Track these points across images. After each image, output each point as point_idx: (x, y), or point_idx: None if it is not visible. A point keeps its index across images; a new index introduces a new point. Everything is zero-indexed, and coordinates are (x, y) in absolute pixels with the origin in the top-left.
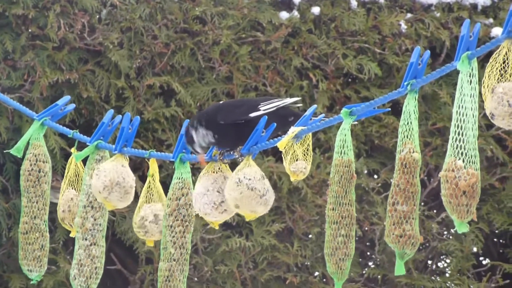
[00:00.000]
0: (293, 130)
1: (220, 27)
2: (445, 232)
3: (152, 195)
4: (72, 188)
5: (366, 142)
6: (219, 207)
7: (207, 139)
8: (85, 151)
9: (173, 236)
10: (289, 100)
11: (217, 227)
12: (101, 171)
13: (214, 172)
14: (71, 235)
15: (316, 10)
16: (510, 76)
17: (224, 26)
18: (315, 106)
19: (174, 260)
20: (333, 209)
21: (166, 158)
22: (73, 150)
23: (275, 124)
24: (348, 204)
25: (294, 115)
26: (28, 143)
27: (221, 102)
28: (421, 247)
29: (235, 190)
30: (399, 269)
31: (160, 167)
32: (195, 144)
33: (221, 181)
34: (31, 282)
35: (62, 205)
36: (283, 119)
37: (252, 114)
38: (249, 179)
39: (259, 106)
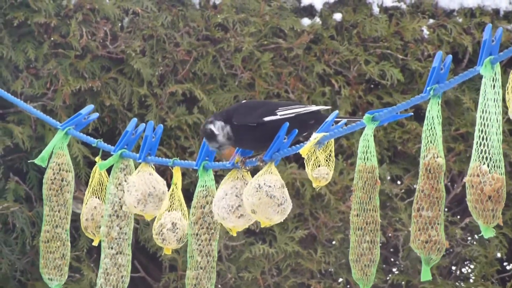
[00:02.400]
0: (315, 136)
1: (242, 34)
2: (469, 238)
3: (174, 203)
4: (96, 197)
5: (389, 148)
6: (235, 211)
7: (225, 131)
8: (110, 161)
9: (199, 244)
10: (313, 108)
11: (234, 234)
12: (130, 185)
13: (236, 178)
14: (94, 243)
15: (338, 16)
16: None
17: (246, 33)
18: (336, 111)
19: (201, 268)
20: (357, 215)
21: (189, 166)
22: (97, 159)
23: (297, 130)
24: (373, 210)
25: (316, 119)
26: (51, 152)
27: (243, 101)
28: (445, 253)
29: (254, 195)
30: (425, 275)
31: (183, 174)
32: (218, 137)
33: (240, 185)
34: None
35: (86, 213)
36: (303, 124)
37: (267, 118)
38: (269, 186)
39: (277, 111)
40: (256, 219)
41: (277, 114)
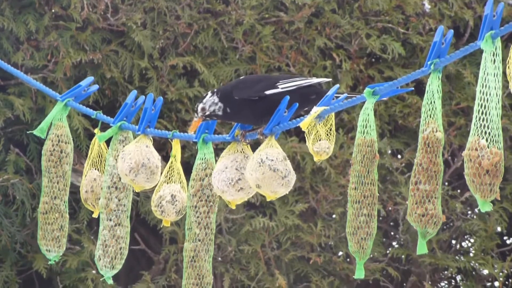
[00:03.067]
0: (316, 110)
1: (243, 7)
2: (469, 212)
3: (173, 175)
4: (95, 169)
5: (390, 122)
6: (235, 184)
7: (212, 108)
8: (109, 132)
9: (198, 217)
10: (314, 80)
11: (233, 207)
12: (125, 153)
13: (236, 151)
14: (94, 215)
15: None
16: None
17: (247, 6)
18: (337, 85)
19: (199, 240)
20: (355, 189)
21: (189, 138)
22: (96, 131)
23: (297, 104)
24: (371, 183)
25: (317, 93)
26: (51, 123)
27: (243, 77)
28: (445, 227)
29: (257, 170)
30: (421, 248)
31: (183, 147)
32: (200, 104)
33: (240, 159)
34: (49, 262)
35: (85, 185)
36: (304, 97)
37: (268, 92)
38: (272, 160)
39: (277, 84)
40: (262, 193)
41: (278, 87)
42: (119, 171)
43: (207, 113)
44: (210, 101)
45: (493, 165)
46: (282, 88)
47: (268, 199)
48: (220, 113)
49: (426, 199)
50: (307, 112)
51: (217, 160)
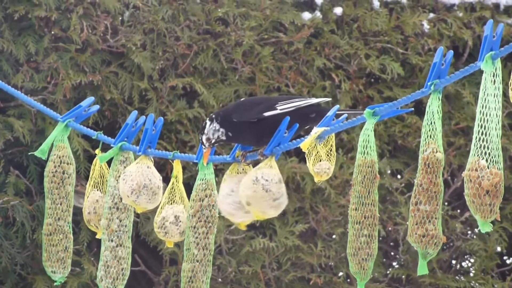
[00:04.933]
0: (316, 130)
1: (243, 28)
2: (469, 232)
3: (175, 196)
4: (97, 190)
5: (389, 142)
6: (243, 208)
7: (216, 135)
8: (110, 153)
9: (196, 237)
10: (313, 101)
11: (244, 228)
12: (127, 175)
13: (238, 173)
14: (98, 236)
15: (338, 10)
16: None
17: (246, 27)
18: (337, 106)
19: (197, 261)
20: (356, 209)
21: (189, 159)
22: (97, 151)
23: (298, 124)
24: (371, 204)
25: (317, 112)
26: (52, 145)
27: (242, 99)
28: (445, 247)
29: (250, 187)
30: (422, 269)
31: (183, 168)
32: (203, 136)
33: None
34: (55, 284)
35: (88, 207)
36: (304, 117)
37: (267, 113)
38: (266, 180)
39: (276, 105)
40: (250, 211)
41: (277, 109)
42: (121, 193)
43: (213, 141)
44: (212, 129)
45: (493, 185)
46: (280, 110)
47: (256, 218)
48: (224, 138)
49: (427, 219)
50: (308, 131)
51: (221, 182)
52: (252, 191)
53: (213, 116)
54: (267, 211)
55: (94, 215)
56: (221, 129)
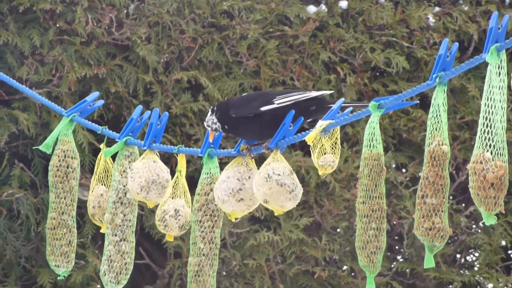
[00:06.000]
0: (321, 123)
1: (248, 21)
2: (474, 226)
3: (177, 190)
4: (102, 184)
5: (394, 136)
6: (236, 195)
7: (214, 126)
8: (114, 148)
9: (202, 231)
10: (312, 94)
11: (233, 219)
12: (134, 172)
13: (240, 164)
14: (102, 230)
15: (343, 4)
16: None
17: (251, 20)
18: (342, 99)
19: (204, 255)
20: (363, 203)
21: (194, 153)
22: (102, 146)
23: (302, 118)
24: (378, 197)
25: (317, 105)
26: (56, 139)
27: (243, 94)
28: (449, 241)
29: (264, 185)
30: (429, 262)
31: (188, 162)
32: (205, 122)
33: (243, 170)
34: (59, 278)
35: (92, 201)
36: (304, 111)
37: (264, 108)
38: (278, 175)
39: (274, 100)
40: (270, 208)
41: (274, 103)
42: (130, 190)
43: (213, 128)
44: (210, 120)
45: (498, 178)
46: (278, 104)
47: (276, 214)
48: (220, 130)
49: (433, 212)
50: (312, 126)
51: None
52: (267, 188)
53: (214, 108)
54: (285, 204)
55: (99, 209)
56: (218, 123)
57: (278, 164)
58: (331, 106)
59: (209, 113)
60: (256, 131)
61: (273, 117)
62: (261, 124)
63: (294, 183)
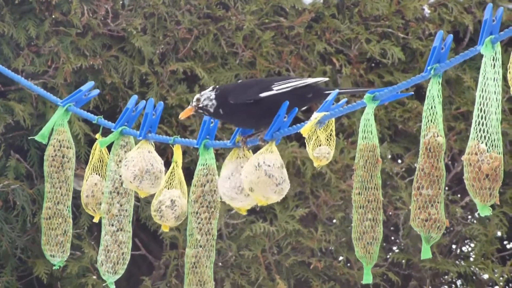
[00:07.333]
0: (316, 115)
1: (243, 12)
2: (469, 217)
3: (173, 181)
4: (96, 174)
5: (390, 127)
6: (243, 191)
7: (206, 103)
8: (110, 138)
9: (199, 223)
10: (310, 81)
11: (244, 213)
12: (128, 160)
13: (238, 158)
14: (95, 220)
15: None
16: None
17: (247, 11)
18: (337, 90)
19: (201, 246)
20: (359, 194)
21: (190, 144)
22: (97, 136)
23: (297, 108)
24: (374, 188)
25: (313, 92)
26: (52, 129)
27: (240, 81)
28: (445, 232)
29: (253, 173)
30: (425, 253)
31: (184, 152)
32: (198, 94)
33: (243, 164)
34: (54, 268)
35: (86, 190)
36: (301, 97)
37: (263, 94)
38: (268, 166)
39: (273, 86)
40: (253, 197)
41: (273, 89)
42: (123, 179)
43: (200, 105)
44: (207, 95)
45: (493, 169)
46: (276, 90)
47: (259, 204)
48: (211, 110)
49: (429, 204)
50: (306, 115)
51: (221, 167)
52: (255, 177)
53: (217, 87)
54: (270, 196)
55: (92, 199)
56: (214, 101)
57: (270, 155)
58: (329, 93)
59: (209, 89)
60: (256, 118)
61: (272, 104)
62: (260, 111)
63: (283, 177)
